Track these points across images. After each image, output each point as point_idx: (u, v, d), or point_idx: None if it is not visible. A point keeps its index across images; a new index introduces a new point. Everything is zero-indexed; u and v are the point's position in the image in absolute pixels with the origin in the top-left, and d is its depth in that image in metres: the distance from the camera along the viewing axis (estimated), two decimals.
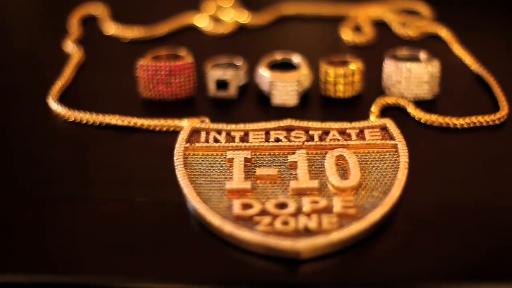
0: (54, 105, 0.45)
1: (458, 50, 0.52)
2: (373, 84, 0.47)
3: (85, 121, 0.43)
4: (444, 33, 0.55)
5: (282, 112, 0.44)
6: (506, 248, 0.33)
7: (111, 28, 0.58)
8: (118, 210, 0.36)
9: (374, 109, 0.43)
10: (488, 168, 0.39)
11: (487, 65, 0.49)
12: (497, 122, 0.42)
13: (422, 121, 0.43)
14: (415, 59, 0.47)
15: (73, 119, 0.43)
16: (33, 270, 0.32)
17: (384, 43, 0.55)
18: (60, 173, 0.39)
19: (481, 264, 0.32)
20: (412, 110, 0.43)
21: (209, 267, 0.32)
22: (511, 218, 0.35)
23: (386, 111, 0.44)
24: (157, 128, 0.42)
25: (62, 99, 0.46)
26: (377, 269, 0.32)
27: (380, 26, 0.58)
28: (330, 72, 0.44)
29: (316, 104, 0.46)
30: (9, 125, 0.44)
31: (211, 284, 0.32)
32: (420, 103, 0.44)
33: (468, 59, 0.51)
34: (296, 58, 0.47)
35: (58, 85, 0.47)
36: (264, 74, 0.45)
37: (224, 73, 0.45)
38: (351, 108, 0.45)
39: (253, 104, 0.46)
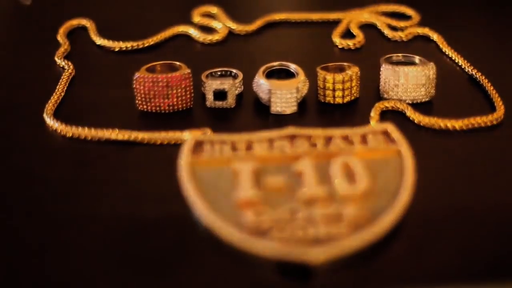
0: (51, 121, 0.44)
1: (448, 51, 0.53)
2: (368, 88, 0.47)
3: (84, 137, 0.42)
4: (432, 35, 0.56)
5: (281, 119, 0.44)
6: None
7: (99, 41, 0.57)
8: (123, 226, 0.35)
9: (374, 113, 0.43)
10: (490, 168, 0.39)
11: (477, 66, 0.50)
12: (494, 122, 0.43)
13: (421, 124, 0.43)
14: (410, 62, 0.47)
15: (71, 135, 0.43)
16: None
17: (374, 47, 0.55)
18: (62, 191, 0.38)
19: (494, 264, 0.33)
20: (411, 114, 0.43)
21: (221, 279, 0.32)
22: None
23: (385, 115, 0.44)
24: (158, 142, 0.42)
25: (58, 115, 0.45)
26: (391, 273, 0.32)
27: (370, 30, 0.58)
28: (328, 78, 0.45)
29: (314, 110, 0.46)
30: (6, 143, 0.43)
31: None
32: (417, 106, 0.45)
33: (458, 60, 0.51)
34: (293, 65, 0.47)
35: (52, 101, 0.46)
36: (263, 83, 0.45)
37: (222, 83, 0.45)
38: (349, 113, 0.45)
39: (251, 112, 0.46)
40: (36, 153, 0.42)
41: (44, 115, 0.45)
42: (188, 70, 0.45)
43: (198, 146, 0.39)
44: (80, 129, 0.43)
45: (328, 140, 0.40)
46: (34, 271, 0.33)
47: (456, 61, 0.51)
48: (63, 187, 0.39)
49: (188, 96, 0.45)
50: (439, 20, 0.59)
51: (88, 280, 0.32)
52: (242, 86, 0.47)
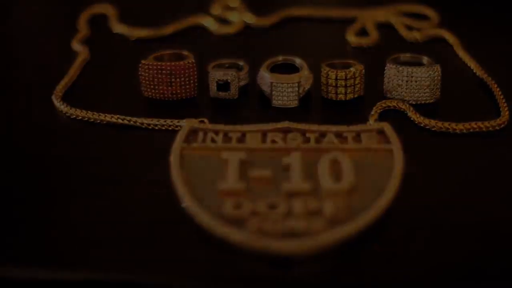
0: (57, 103, 0.45)
1: (463, 54, 0.52)
2: (375, 87, 0.47)
3: (86, 119, 0.44)
4: (449, 37, 0.55)
5: (283, 113, 0.44)
6: (501, 254, 0.33)
7: (119, 28, 0.58)
8: (115, 207, 0.36)
9: (374, 112, 0.43)
10: (486, 174, 0.39)
11: (490, 71, 0.49)
12: (497, 128, 0.42)
13: (422, 125, 0.42)
14: (418, 63, 0.46)
15: (74, 117, 0.44)
16: (32, 264, 0.33)
17: (389, 46, 0.54)
18: (59, 170, 0.40)
19: (474, 269, 0.32)
20: (412, 114, 0.43)
21: (200, 266, 0.33)
22: (509, 224, 0.35)
23: (386, 115, 0.44)
24: (157, 127, 0.43)
25: (66, 97, 0.47)
26: (367, 272, 0.32)
27: (386, 29, 0.58)
28: (331, 74, 0.44)
29: (316, 106, 0.46)
30: (12, 121, 0.45)
31: (201, 283, 0.32)
32: (421, 107, 0.44)
33: (471, 64, 0.50)
34: (298, 60, 0.47)
35: (62, 83, 0.48)
36: (265, 75, 0.45)
37: (225, 74, 0.45)
38: (352, 111, 0.45)
39: (254, 105, 0.46)
40: (40, 132, 0.43)
41: (53, 96, 0.46)
42: (192, 60, 0.45)
43: (192, 134, 0.40)
44: (83, 111, 0.44)
45: (322, 136, 0.40)
46: (30, 242, 0.34)
47: (469, 65, 0.50)
48: (59, 165, 0.40)
49: (192, 85, 0.46)
50: (456, 22, 0.58)
51: (75, 254, 0.33)
52: (248, 78, 0.48)
